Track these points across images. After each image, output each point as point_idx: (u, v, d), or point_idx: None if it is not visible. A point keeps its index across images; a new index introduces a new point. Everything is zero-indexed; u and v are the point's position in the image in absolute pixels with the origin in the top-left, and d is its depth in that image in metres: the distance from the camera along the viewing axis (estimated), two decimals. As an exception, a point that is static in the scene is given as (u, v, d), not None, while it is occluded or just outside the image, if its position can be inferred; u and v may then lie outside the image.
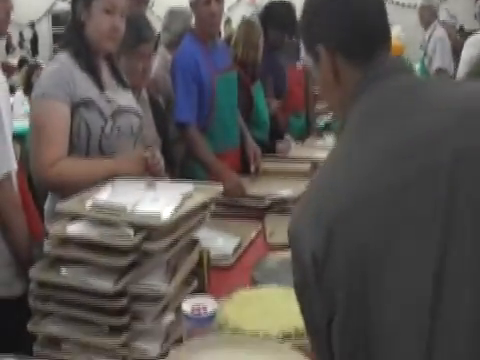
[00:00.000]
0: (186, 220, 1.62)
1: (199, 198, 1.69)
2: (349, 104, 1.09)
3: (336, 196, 0.99)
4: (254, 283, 1.90)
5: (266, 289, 1.76)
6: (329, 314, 0.98)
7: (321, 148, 3.35)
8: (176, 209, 1.58)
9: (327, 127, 4.38)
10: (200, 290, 1.79)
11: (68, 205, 1.66)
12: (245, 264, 2.12)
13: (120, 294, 1.47)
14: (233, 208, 2.62)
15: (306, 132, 4.15)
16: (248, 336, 1.44)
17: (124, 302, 1.47)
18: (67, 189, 1.82)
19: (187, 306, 1.45)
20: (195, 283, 1.73)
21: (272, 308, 1.62)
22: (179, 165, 2.89)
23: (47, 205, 2.08)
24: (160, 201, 1.65)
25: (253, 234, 2.36)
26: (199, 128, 2.80)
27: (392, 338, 0.93)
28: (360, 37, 1.10)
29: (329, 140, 3.79)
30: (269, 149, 3.37)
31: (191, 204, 1.64)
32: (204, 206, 1.73)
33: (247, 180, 2.84)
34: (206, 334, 1.41)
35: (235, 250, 2.20)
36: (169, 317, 1.56)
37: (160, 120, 2.69)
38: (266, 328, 1.50)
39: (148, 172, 1.98)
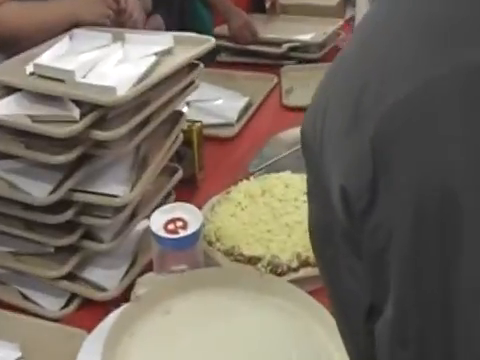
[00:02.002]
0: (161, 91, 1.13)
1: (181, 57, 1.18)
2: None
3: (386, 80, 0.49)
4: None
5: (279, 177, 1.29)
6: (370, 299, 0.53)
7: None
8: (144, 75, 1.09)
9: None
10: (190, 178, 1.35)
11: (3, 70, 1.19)
12: (254, 134, 1.62)
13: (65, 204, 1.03)
14: (241, 55, 2.12)
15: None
16: (238, 271, 1.01)
17: (69, 215, 1.03)
18: (13, 44, 1.38)
19: (157, 221, 1.00)
20: (180, 173, 1.27)
21: (286, 211, 1.17)
22: (177, 3, 2.34)
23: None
24: (127, 63, 1.16)
25: (266, 91, 1.86)
26: None
27: None
28: None
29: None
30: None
31: (167, 67, 1.14)
32: (190, 67, 1.23)
33: (260, 19, 2.28)
34: (185, 260, 0.98)
35: (241, 113, 1.71)
36: (139, 228, 1.13)
37: None
38: (275, 249, 1.06)
39: (118, 19, 1.46)
